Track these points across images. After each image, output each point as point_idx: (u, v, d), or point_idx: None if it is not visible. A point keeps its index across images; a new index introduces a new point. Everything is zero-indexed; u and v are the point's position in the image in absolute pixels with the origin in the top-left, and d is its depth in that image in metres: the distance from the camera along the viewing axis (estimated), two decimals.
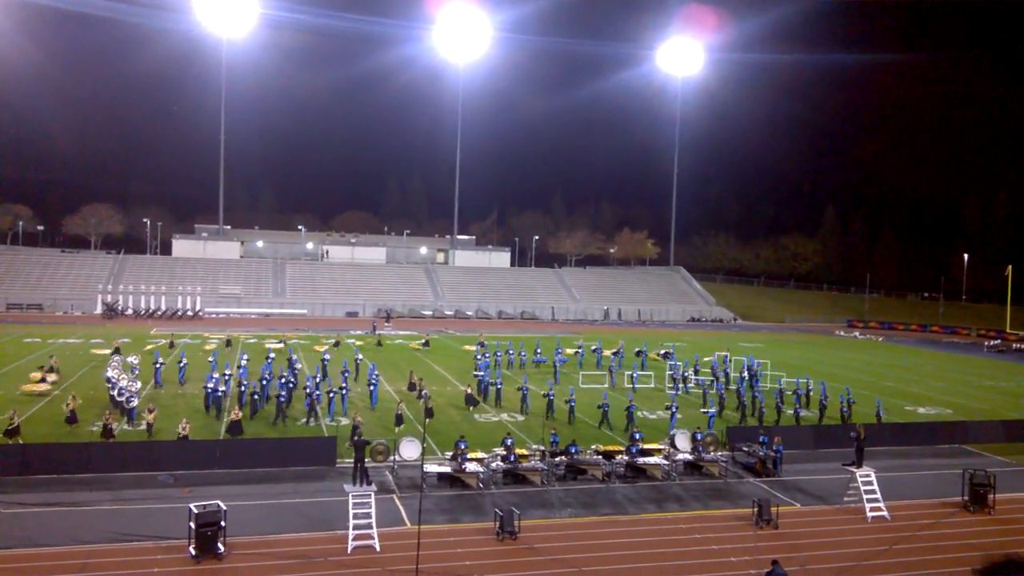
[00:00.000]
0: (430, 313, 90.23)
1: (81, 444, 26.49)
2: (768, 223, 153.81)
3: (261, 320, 79.55)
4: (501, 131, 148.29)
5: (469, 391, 37.89)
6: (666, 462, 26.79)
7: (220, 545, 18.96)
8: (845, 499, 24.69)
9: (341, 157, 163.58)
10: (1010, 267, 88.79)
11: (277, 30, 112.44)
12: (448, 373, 47.08)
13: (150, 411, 29.91)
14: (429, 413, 33.70)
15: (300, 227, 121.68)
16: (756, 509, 22.53)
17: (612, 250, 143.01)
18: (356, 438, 23.07)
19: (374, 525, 20.12)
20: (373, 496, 20.60)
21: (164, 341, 53.13)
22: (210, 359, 41.01)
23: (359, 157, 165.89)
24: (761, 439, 28.43)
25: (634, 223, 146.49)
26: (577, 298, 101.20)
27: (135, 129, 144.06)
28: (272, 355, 43.40)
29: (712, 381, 42.97)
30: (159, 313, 78.39)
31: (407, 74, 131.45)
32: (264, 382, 35.33)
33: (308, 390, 33.49)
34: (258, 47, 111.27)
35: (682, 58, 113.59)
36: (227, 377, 35.43)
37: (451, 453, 26.23)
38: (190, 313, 79.01)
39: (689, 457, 27.42)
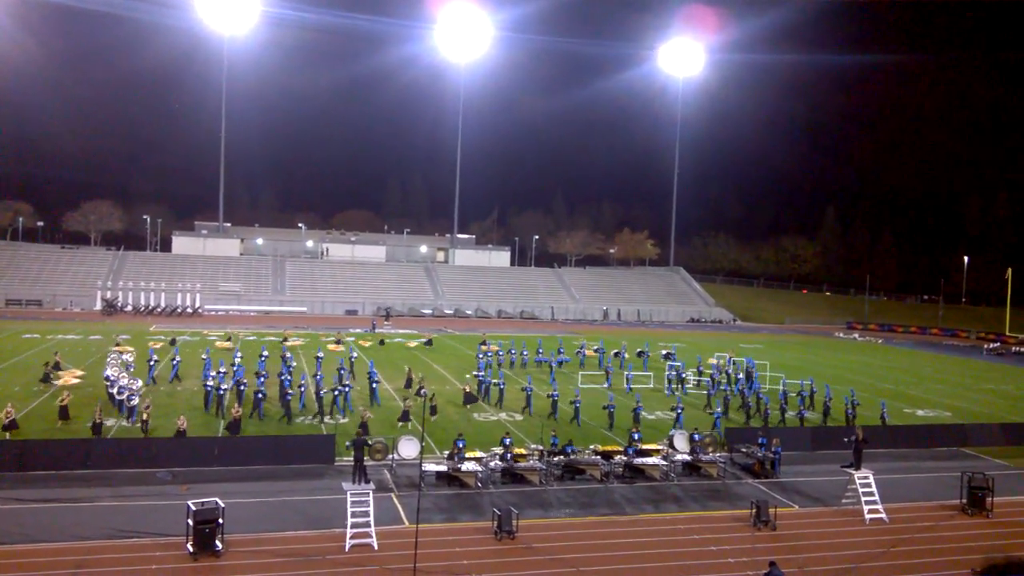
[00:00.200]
0: (430, 312, 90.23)
1: (79, 440, 26.49)
2: (768, 224, 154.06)
3: (260, 317, 79.53)
4: (502, 130, 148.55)
5: (467, 389, 37.95)
6: (664, 463, 26.80)
7: (218, 542, 18.97)
8: (843, 501, 24.70)
9: (342, 155, 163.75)
10: (1010, 270, 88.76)
11: (279, 28, 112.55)
12: (448, 372, 47.08)
13: (145, 408, 29.85)
14: (433, 410, 34.05)
15: (300, 225, 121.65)
16: (754, 510, 22.53)
17: (612, 250, 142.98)
18: (357, 437, 23.06)
19: (372, 524, 20.12)
20: (371, 495, 20.60)
21: (166, 339, 53.01)
22: (203, 356, 41.05)
23: (360, 155, 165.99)
24: (760, 440, 28.45)
25: (634, 223, 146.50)
26: (577, 298, 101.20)
27: (136, 126, 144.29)
28: (266, 353, 43.33)
29: (716, 382, 43.05)
30: (159, 310, 78.39)
31: (408, 73, 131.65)
32: (261, 380, 35.42)
33: (313, 387, 33.55)
34: (259, 45, 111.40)
35: (683, 58, 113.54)
36: (222, 375, 35.23)
37: (448, 452, 26.27)
38: (190, 310, 79.01)
39: (687, 458, 27.43)
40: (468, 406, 36.89)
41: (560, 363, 49.65)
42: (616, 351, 52.68)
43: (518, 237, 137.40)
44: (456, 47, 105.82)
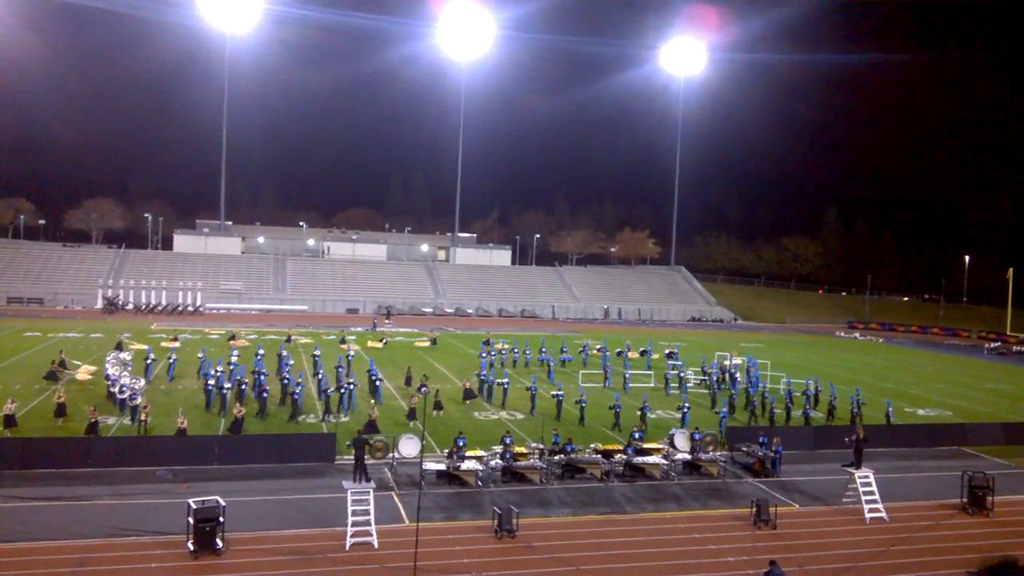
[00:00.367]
0: (431, 310, 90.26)
1: (81, 439, 26.53)
2: (769, 224, 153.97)
3: (261, 316, 79.57)
4: (503, 129, 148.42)
5: (467, 386, 38.02)
6: (665, 461, 26.80)
7: (219, 541, 18.98)
8: (844, 500, 24.70)
9: (343, 154, 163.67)
10: (1011, 270, 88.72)
11: (281, 26, 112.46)
12: (449, 371, 47.08)
13: (143, 408, 29.79)
14: (437, 405, 34.32)
15: (301, 223, 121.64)
16: (754, 509, 22.54)
17: (613, 249, 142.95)
18: (357, 435, 23.05)
19: (372, 522, 20.13)
20: (372, 493, 20.61)
21: (169, 337, 52.99)
22: (200, 355, 41.11)
23: (361, 154, 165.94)
24: (760, 439, 28.45)
25: (635, 222, 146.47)
26: (578, 297, 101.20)
27: (137, 124, 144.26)
28: (262, 351, 43.31)
29: (720, 381, 43.08)
30: (160, 308, 78.44)
31: (410, 72, 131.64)
32: (261, 377, 35.49)
33: (315, 386, 33.61)
34: (261, 43, 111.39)
35: (685, 58, 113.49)
36: (220, 374, 35.19)
37: (448, 450, 26.30)
38: (191, 309, 79.06)
39: (688, 457, 27.42)
40: (467, 402, 37.03)
41: (563, 362, 49.68)
42: (619, 350, 52.68)
43: (519, 236, 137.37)
44: (458, 46, 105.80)
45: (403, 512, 22.31)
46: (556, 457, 26.30)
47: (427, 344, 58.69)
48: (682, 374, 44.03)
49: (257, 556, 19.01)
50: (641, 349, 52.84)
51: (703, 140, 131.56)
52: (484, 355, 47.09)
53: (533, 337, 60.06)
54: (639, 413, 33.09)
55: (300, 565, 18.69)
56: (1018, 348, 78.90)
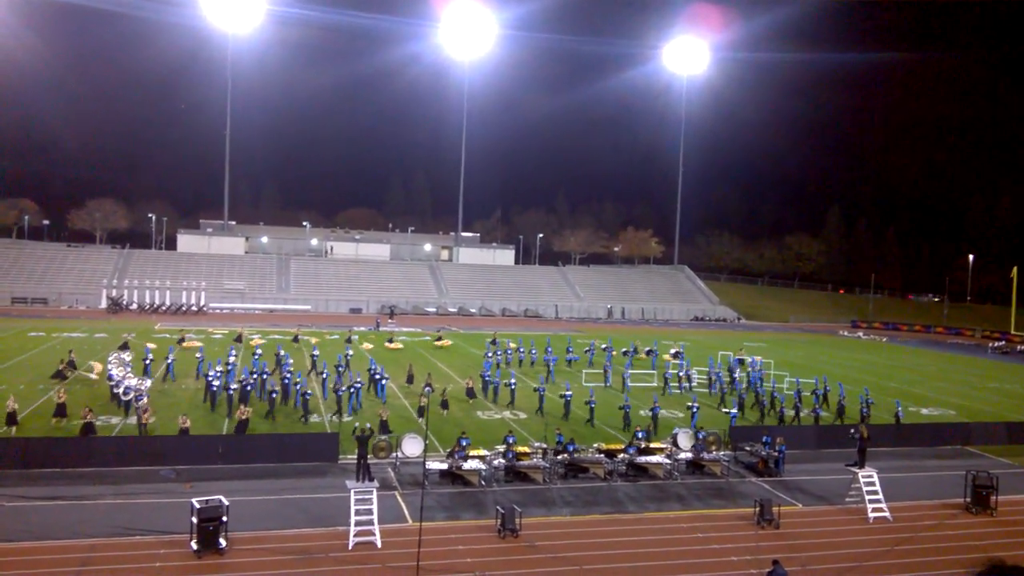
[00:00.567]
0: (434, 310, 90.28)
1: (84, 438, 26.56)
2: (772, 223, 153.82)
3: (265, 316, 79.66)
4: (506, 129, 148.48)
5: (470, 384, 38.05)
6: (668, 461, 26.78)
7: (222, 540, 19.01)
8: (847, 499, 24.67)
9: (346, 154, 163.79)
10: (1016, 268, 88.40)
11: (283, 26, 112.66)
12: (452, 371, 47.08)
13: (144, 411, 29.72)
14: (444, 404, 34.68)
15: (305, 223, 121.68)
16: (758, 509, 22.51)
17: (616, 248, 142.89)
18: (361, 433, 23.06)
19: (375, 521, 20.15)
20: (375, 492, 20.63)
21: (175, 337, 53.05)
22: (197, 355, 41.12)
23: (364, 154, 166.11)
24: (764, 439, 28.42)
25: (638, 222, 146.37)
26: (580, 296, 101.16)
27: (141, 124, 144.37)
28: (259, 351, 43.29)
29: (730, 380, 43.07)
30: (163, 308, 78.55)
31: (412, 71, 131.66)
32: (264, 376, 35.53)
33: (319, 385, 33.67)
34: (264, 43, 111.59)
35: (687, 57, 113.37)
36: (220, 373, 35.16)
37: (448, 450, 26.31)
38: (194, 308, 79.18)
39: (691, 456, 27.40)
40: (471, 400, 37.14)
41: (569, 362, 49.67)
42: (625, 349, 52.66)
43: (522, 235, 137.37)
44: (460, 45, 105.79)
45: (406, 512, 22.31)
46: (559, 457, 26.30)
47: (448, 343, 58.80)
48: (681, 373, 44.00)
49: (260, 555, 19.04)
50: (647, 349, 52.78)
51: (706, 139, 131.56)
52: (490, 355, 47.06)
53: (539, 337, 60.01)
54: (650, 414, 33.04)
55: (303, 564, 18.71)
56: (1022, 347, 78.74)
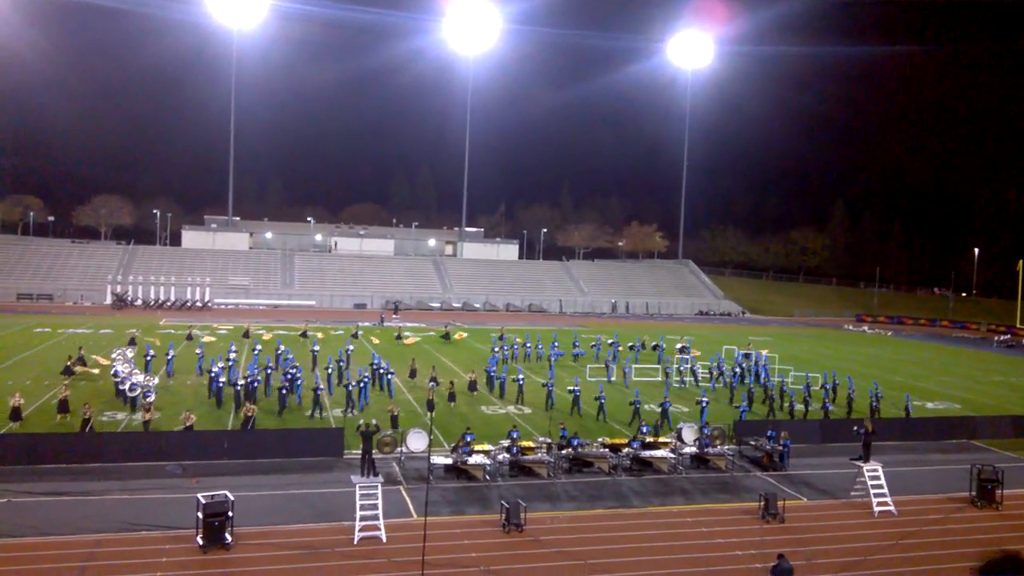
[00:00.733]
0: (438, 305, 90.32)
1: (90, 434, 26.65)
2: (777, 217, 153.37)
3: (270, 311, 79.78)
4: (510, 124, 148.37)
5: (472, 377, 38.11)
6: (672, 455, 26.78)
7: (227, 535, 19.07)
8: (852, 493, 24.65)
9: (350, 149, 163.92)
10: (1021, 261, 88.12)
11: (287, 22, 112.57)
12: (456, 365, 47.10)
13: (146, 410, 29.72)
14: (452, 397, 35.09)
15: (309, 219, 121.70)
16: (762, 503, 22.51)
17: (620, 243, 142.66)
18: (365, 428, 23.05)
19: (380, 516, 20.19)
20: (380, 487, 20.67)
21: (181, 333, 53.08)
22: (197, 351, 41.14)
23: (368, 149, 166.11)
24: (768, 433, 28.41)
25: (643, 216, 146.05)
26: (585, 291, 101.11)
27: (145, 120, 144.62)
28: (259, 347, 43.29)
29: (738, 374, 43.06)
30: (168, 304, 78.71)
31: (417, 66, 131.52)
32: (268, 371, 35.56)
33: (324, 381, 33.73)
34: (268, 39, 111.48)
35: (692, 51, 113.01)
36: (221, 370, 35.19)
37: (452, 444, 26.35)
38: (199, 304, 79.32)
39: (695, 450, 27.40)
40: (473, 393, 37.32)
41: (575, 356, 49.65)
42: (631, 344, 52.66)
43: (526, 230, 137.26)
44: (464, 40, 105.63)
45: (411, 506, 22.36)
46: (563, 451, 26.32)
47: (465, 336, 59.02)
48: (683, 367, 43.93)
49: (266, 550, 19.09)
50: (653, 344, 52.78)
51: (710, 133, 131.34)
52: (496, 349, 47.03)
53: (545, 332, 59.98)
54: (659, 409, 33.04)
55: (309, 559, 18.76)
56: None
